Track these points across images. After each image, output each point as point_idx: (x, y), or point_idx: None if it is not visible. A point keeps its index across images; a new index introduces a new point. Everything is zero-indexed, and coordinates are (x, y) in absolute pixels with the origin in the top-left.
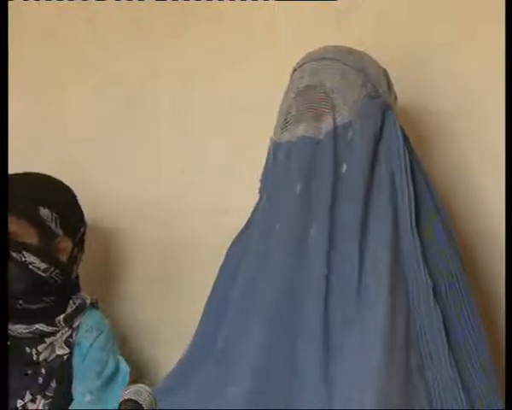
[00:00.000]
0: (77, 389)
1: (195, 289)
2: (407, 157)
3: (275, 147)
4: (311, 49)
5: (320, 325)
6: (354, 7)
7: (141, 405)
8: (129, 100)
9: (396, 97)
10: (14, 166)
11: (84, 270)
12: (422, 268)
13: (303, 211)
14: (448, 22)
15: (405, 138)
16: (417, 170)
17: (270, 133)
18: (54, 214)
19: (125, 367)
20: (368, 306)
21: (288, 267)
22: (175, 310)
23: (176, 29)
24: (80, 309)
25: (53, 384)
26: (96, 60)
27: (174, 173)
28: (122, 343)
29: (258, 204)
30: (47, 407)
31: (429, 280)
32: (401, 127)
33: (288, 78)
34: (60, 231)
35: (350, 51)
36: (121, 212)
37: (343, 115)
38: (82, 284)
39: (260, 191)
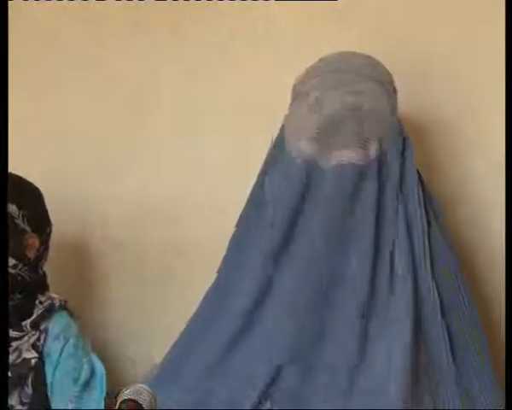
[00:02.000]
0: (56, 400)
1: (195, 289)
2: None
3: (309, 166)
4: (310, 50)
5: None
6: (354, 7)
7: (141, 405)
8: (129, 100)
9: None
10: (14, 167)
11: (83, 270)
12: (431, 283)
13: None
14: (448, 22)
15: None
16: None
17: (271, 133)
18: (21, 211)
19: (100, 368)
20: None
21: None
22: (174, 311)
23: (176, 29)
24: (48, 311)
25: (28, 390)
26: (96, 60)
27: (174, 173)
28: (119, 345)
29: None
30: None
31: (436, 294)
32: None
33: (289, 77)
34: (27, 228)
35: (374, 64)
36: (121, 212)
37: (382, 138)
38: (78, 285)
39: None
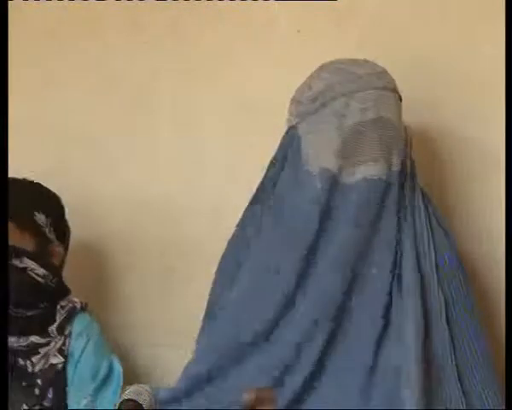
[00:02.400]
0: (72, 396)
1: (195, 289)
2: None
3: (331, 184)
4: (310, 50)
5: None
6: (354, 7)
7: (141, 405)
8: (129, 100)
9: None
10: (15, 167)
11: (83, 270)
12: (437, 289)
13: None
14: (448, 22)
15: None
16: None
17: (271, 133)
18: (48, 220)
19: (118, 367)
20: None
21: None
22: (175, 310)
23: (176, 29)
24: (70, 315)
25: (49, 395)
26: (96, 60)
27: (174, 173)
28: (119, 345)
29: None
30: None
31: (442, 300)
32: None
33: (288, 77)
34: (53, 237)
35: (385, 73)
36: (121, 212)
37: (400, 149)
38: (79, 285)
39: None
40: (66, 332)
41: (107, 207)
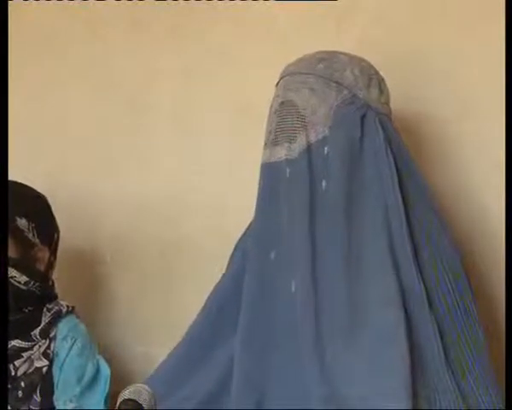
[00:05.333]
0: (58, 398)
1: (195, 289)
2: (391, 160)
3: (261, 165)
4: (310, 50)
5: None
6: (354, 7)
7: (141, 405)
8: (129, 100)
9: (382, 89)
10: (15, 167)
11: (82, 270)
12: (416, 277)
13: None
14: (448, 23)
15: (389, 140)
16: (405, 172)
17: None
18: (31, 224)
19: (105, 369)
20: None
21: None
22: (174, 310)
23: (176, 29)
24: (56, 318)
25: (36, 398)
26: (96, 60)
27: (174, 173)
28: (119, 344)
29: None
30: None
31: (423, 289)
32: (384, 127)
33: None
34: (37, 241)
35: (321, 59)
36: (121, 212)
37: (317, 132)
38: (78, 285)
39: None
40: (51, 335)
41: (106, 207)
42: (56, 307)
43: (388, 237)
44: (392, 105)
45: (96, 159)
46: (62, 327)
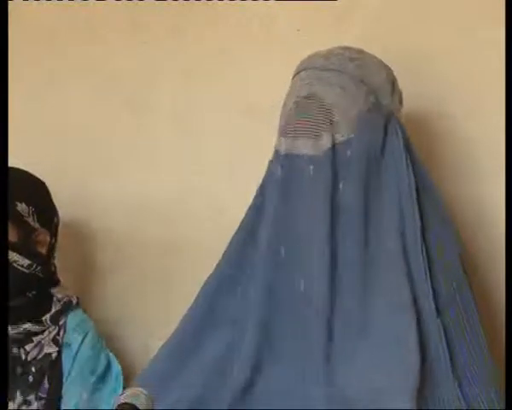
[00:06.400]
0: (71, 389)
1: (195, 289)
2: (410, 171)
3: (274, 154)
4: (310, 50)
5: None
6: (354, 7)
7: (138, 408)
8: (129, 100)
9: (401, 98)
10: (14, 166)
11: (82, 269)
12: (426, 283)
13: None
14: (448, 23)
15: (409, 149)
16: (422, 182)
17: (271, 133)
18: (30, 208)
19: (116, 366)
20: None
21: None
22: (174, 310)
23: (176, 29)
24: (66, 309)
25: (45, 385)
26: (96, 60)
27: (174, 173)
28: (118, 343)
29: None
30: (41, 409)
31: (432, 298)
32: (404, 137)
33: (289, 78)
34: (37, 225)
35: (353, 58)
36: (121, 212)
37: (342, 132)
38: (78, 284)
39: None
40: (61, 323)
41: (106, 206)
42: (66, 298)
43: (402, 243)
44: None
45: (96, 159)
46: (71, 319)
